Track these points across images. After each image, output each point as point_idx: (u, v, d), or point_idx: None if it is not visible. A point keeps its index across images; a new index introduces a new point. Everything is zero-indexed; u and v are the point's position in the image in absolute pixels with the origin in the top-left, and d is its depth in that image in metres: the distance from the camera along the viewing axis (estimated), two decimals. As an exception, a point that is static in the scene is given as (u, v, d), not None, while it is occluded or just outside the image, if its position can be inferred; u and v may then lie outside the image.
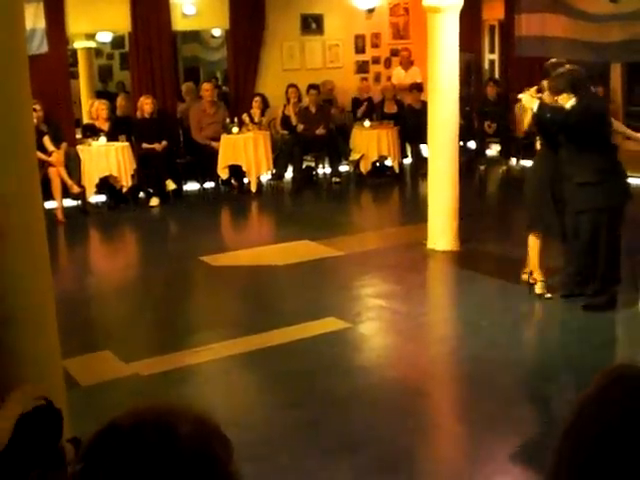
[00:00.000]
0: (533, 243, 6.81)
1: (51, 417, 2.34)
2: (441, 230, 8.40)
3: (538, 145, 6.86)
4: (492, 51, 13.66)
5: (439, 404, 5.45)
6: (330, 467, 4.30)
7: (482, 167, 12.71)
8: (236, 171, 11.62)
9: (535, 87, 6.59)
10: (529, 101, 6.40)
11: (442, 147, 8.43)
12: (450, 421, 5.18)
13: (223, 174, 11.56)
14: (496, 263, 8.07)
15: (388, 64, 13.83)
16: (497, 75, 13.52)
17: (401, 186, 12.46)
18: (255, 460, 4.08)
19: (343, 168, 12.58)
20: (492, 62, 13.71)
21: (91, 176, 10.66)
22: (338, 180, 12.25)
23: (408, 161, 12.91)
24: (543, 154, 6.70)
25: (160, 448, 1.16)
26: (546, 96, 6.39)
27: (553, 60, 6.86)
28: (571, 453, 1.12)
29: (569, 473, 1.12)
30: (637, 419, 1.09)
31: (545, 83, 6.50)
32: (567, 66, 6.39)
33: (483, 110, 12.67)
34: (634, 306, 6.46)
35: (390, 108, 12.67)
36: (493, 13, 13.18)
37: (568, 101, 6.16)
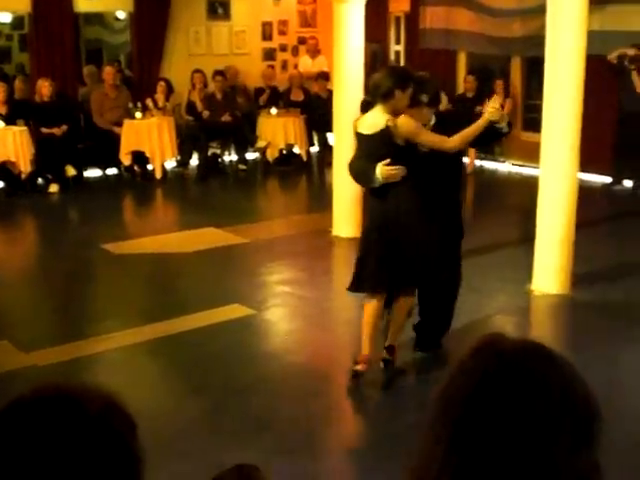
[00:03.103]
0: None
1: None
2: (346, 217, 8.45)
3: None
4: (398, 42, 13.79)
5: (341, 388, 5.50)
6: (234, 450, 4.31)
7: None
8: (139, 157, 11.42)
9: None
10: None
11: (347, 136, 8.47)
12: (350, 405, 5.23)
13: (126, 160, 11.34)
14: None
15: (295, 52, 13.82)
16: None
17: (308, 174, 12.48)
18: (158, 447, 4.02)
19: (250, 156, 12.51)
20: (397, 53, 13.85)
21: (-13, 161, 10.30)
22: (244, 168, 12.19)
23: (315, 149, 12.93)
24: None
25: (65, 421, 1.15)
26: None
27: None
28: (444, 417, 1.18)
29: (443, 435, 1.17)
30: (498, 382, 1.15)
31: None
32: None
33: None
34: None
35: (297, 96, 12.66)
36: (399, 5, 13.31)
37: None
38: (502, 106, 5.50)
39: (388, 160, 4.83)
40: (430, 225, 5.07)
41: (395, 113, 4.89)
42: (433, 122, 5.22)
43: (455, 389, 1.19)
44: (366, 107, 5.17)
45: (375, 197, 5.06)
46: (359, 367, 5.08)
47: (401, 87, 4.90)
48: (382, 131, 4.84)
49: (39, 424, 1.14)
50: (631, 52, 9.94)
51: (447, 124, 5.19)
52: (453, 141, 5.03)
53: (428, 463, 1.17)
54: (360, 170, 5.04)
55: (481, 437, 1.13)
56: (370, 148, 4.93)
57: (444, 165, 5.21)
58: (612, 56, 9.79)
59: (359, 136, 5.05)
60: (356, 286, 5.17)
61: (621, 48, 9.96)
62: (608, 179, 10.62)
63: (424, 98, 5.11)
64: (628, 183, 10.64)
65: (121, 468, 1.17)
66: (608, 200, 10.11)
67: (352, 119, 8.34)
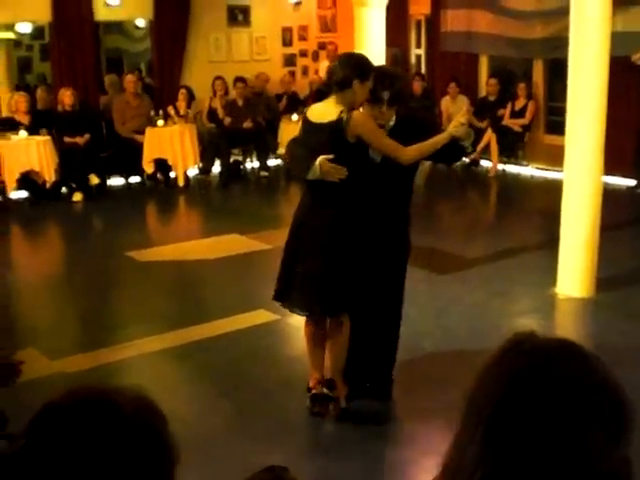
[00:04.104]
0: None
1: None
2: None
3: None
4: (418, 46, 13.78)
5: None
6: (262, 452, 4.33)
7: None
8: (162, 165, 11.47)
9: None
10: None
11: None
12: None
13: (148, 168, 11.39)
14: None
15: (315, 57, 13.83)
16: (423, 70, 13.65)
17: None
18: (186, 450, 4.02)
19: (272, 162, 12.53)
20: (418, 57, 13.84)
21: (11, 171, 10.37)
22: (266, 174, 12.20)
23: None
24: None
25: (101, 422, 1.16)
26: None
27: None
28: (477, 417, 1.17)
29: (476, 435, 1.16)
30: (531, 380, 1.15)
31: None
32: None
33: (409, 104, 12.78)
34: None
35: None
36: (419, 8, 13.30)
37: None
38: (470, 124, 4.90)
39: (332, 156, 4.33)
40: (351, 246, 4.52)
41: (351, 107, 4.42)
42: (392, 124, 4.66)
43: (487, 387, 1.18)
44: (320, 97, 4.63)
45: (307, 195, 4.60)
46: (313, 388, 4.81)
47: (360, 78, 4.40)
48: (332, 123, 4.36)
49: (75, 426, 1.15)
50: None
51: (407, 130, 4.62)
52: (408, 152, 4.47)
53: (461, 463, 1.17)
54: (298, 156, 4.55)
55: (515, 435, 1.13)
56: (315, 138, 4.42)
57: (395, 176, 4.64)
58: (636, 57, 9.73)
59: (307, 123, 4.53)
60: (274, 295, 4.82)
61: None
62: (632, 182, 10.54)
63: (385, 95, 4.52)
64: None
65: (157, 466, 1.19)
66: (632, 203, 10.03)
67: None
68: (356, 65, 4.46)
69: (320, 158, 4.34)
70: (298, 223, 4.63)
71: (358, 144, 4.41)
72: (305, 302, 4.63)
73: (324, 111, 4.45)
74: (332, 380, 4.84)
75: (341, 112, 4.36)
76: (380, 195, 4.64)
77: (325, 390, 4.81)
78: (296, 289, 4.59)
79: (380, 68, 4.72)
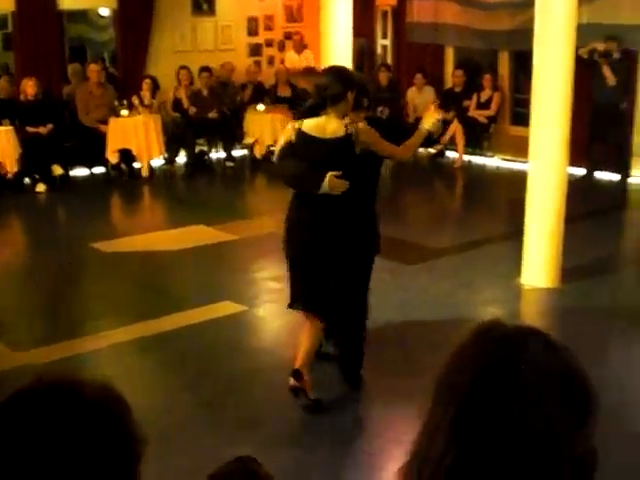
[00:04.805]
0: None
1: None
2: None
3: None
4: (385, 37, 13.78)
5: (332, 380, 5.49)
6: (230, 444, 4.32)
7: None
8: (126, 155, 11.35)
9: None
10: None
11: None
12: (344, 394, 5.23)
13: (112, 158, 11.26)
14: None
15: (281, 47, 13.76)
16: (389, 61, 13.65)
17: (295, 170, 12.41)
18: (154, 443, 3.99)
19: (238, 152, 12.47)
20: (385, 47, 13.84)
21: (-27, 161, 10.21)
22: (232, 164, 12.14)
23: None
24: None
25: (65, 408, 1.18)
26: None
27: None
28: (446, 403, 1.17)
29: (445, 422, 1.16)
30: (499, 367, 1.16)
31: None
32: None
33: (376, 95, 12.78)
34: None
35: (284, 92, 12.62)
36: (385, -1, 13.30)
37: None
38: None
39: (340, 172, 4.54)
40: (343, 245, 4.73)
41: (342, 117, 4.63)
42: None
43: (456, 375, 1.19)
44: (312, 111, 4.73)
45: (302, 208, 4.74)
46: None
47: (350, 89, 4.62)
48: (342, 138, 4.56)
49: (39, 413, 1.17)
50: (601, 47, 10.12)
51: (376, 129, 4.81)
52: (403, 151, 4.91)
53: (429, 449, 1.17)
54: (304, 174, 4.67)
55: (483, 421, 1.14)
56: (321, 153, 4.58)
57: (363, 174, 4.79)
58: (583, 51, 9.84)
59: (307, 138, 4.62)
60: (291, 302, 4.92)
61: (592, 43, 10.08)
62: (582, 171, 10.67)
63: (365, 102, 4.88)
64: (604, 174, 10.71)
65: (121, 455, 1.20)
66: (583, 193, 10.07)
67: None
68: (346, 78, 4.70)
69: (328, 176, 4.52)
70: (304, 237, 4.72)
71: (361, 154, 4.61)
72: (321, 304, 4.77)
73: (326, 126, 4.61)
74: (299, 371, 4.84)
75: (346, 126, 4.56)
76: (352, 189, 4.69)
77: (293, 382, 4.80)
78: (314, 292, 4.74)
79: (357, 77, 5.01)
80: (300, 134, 4.66)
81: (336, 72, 4.79)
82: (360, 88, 4.77)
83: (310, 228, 4.68)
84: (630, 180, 10.56)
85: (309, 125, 4.65)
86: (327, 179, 4.52)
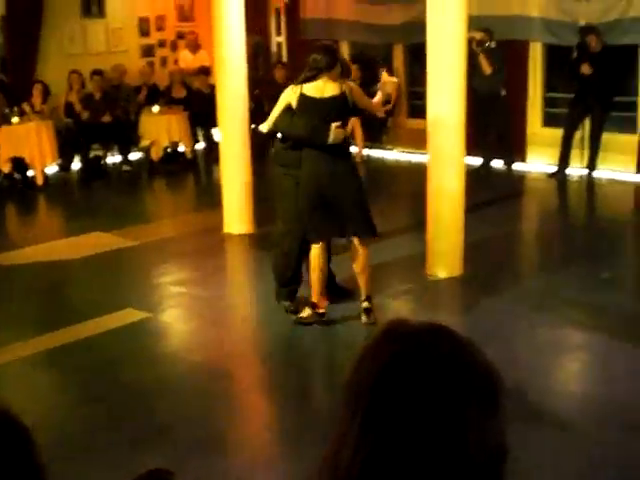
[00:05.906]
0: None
1: None
2: (237, 214, 8.35)
3: None
4: (279, 34, 13.73)
5: (244, 384, 5.44)
6: (139, 454, 4.21)
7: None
8: (19, 164, 10.98)
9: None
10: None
11: (233, 131, 8.39)
12: (256, 399, 5.18)
13: (4, 168, 10.89)
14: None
15: (174, 47, 13.56)
16: (285, 58, 13.61)
17: (194, 172, 12.27)
18: (58, 460, 3.84)
19: (134, 156, 12.22)
20: (279, 45, 13.79)
21: None
22: (128, 168, 11.90)
23: (201, 146, 12.73)
24: None
25: None
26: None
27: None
28: (353, 405, 1.17)
29: (354, 423, 1.16)
30: (404, 363, 1.16)
31: None
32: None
33: (272, 93, 12.70)
34: None
35: (178, 93, 12.42)
36: (278, -5, 13.25)
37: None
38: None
39: (340, 122, 5.60)
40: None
41: (335, 80, 5.63)
42: None
43: (363, 374, 1.19)
44: (310, 79, 5.71)
45: (319, 156, 5.68)
46: (322, 310, 5.84)
47: (337, 59, 5.73)
48: (339, 95, 5.59)
49: None
50: (478, 36, 10.24)
51: None
52: (376, 106, 6.09)
53: (340, 450, 1.17)
54: (315, 128, 5.60)
55: (391, 419, 1.14)
56: (324, 110, 5.58)
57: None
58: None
59: (308, 99, 5.61)
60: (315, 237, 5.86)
61: (470, 32, 10.26)
62: (478, 161, 10.87)
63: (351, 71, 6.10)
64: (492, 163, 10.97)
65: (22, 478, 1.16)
66: (480, 182, 10.21)
67: (237, 113, 8.33)
68: (334, 51, 5.84)
69: (333, 127, 5.56)
70: (322, 176, 5.70)
71: (353, 108, 5.74)
72: (358, 228, 5.88)
73: (324, 88, 5.64)
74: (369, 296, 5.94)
75: (343, 85, 5.66)
76: None
77: (367, 304, 5.89)
78: (338, 221, 5.80)
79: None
80: (302, 96, 5.65)
81: (326, 48, 5.81)
82: (341, 60, 5.99)
83: (326, 172, 5.68)
84: (523, 168, 10.82)
85: (309, 88, 5.65)
86: (332, 129, 5.54)
